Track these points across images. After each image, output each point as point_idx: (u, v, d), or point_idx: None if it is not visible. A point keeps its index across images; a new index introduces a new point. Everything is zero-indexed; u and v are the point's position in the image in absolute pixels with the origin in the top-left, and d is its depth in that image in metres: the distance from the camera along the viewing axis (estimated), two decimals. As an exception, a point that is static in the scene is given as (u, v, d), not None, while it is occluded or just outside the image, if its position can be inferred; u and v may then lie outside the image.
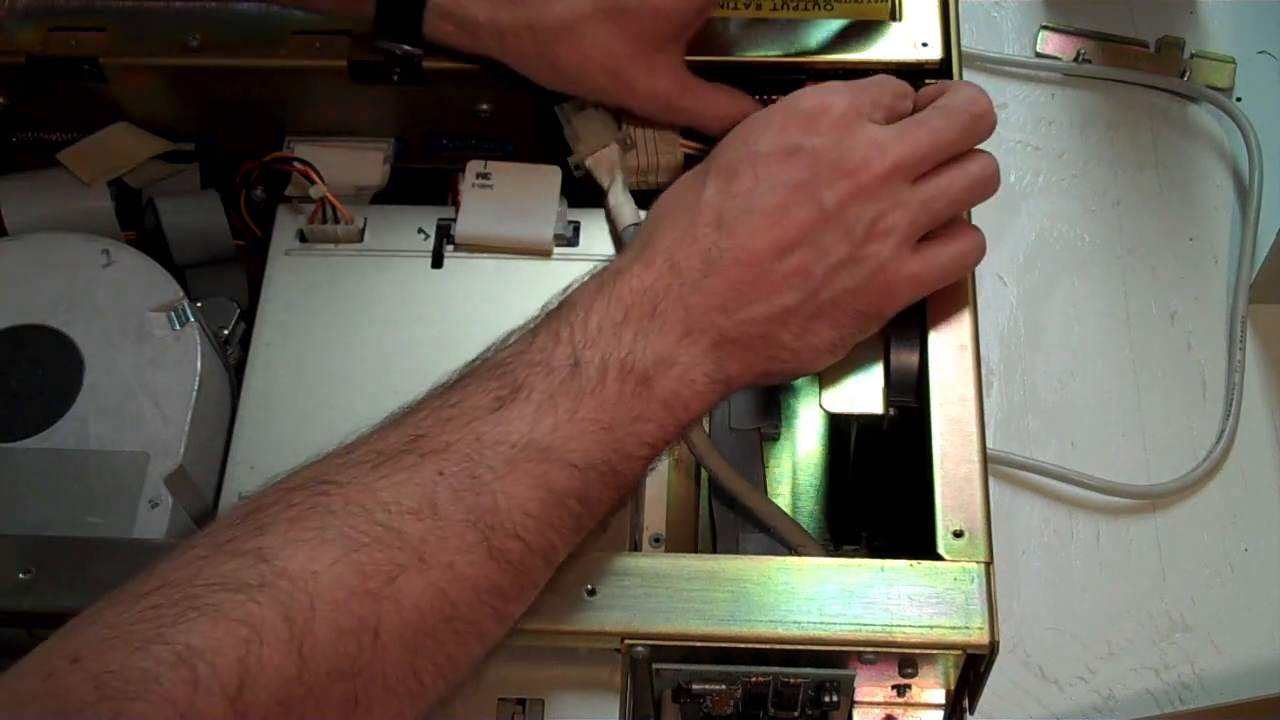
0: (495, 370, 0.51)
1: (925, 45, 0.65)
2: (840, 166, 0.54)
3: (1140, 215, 0.84)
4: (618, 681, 0.53)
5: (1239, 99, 0.87)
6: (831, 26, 0.66)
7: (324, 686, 0.43)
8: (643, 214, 0.63)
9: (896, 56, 0.65)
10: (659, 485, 0.61)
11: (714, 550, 0.61)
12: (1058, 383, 0.79)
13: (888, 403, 0.59)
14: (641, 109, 0.63)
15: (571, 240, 0.65)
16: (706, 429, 0.60)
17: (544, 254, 0.65)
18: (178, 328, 0.61)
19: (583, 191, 0.66)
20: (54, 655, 0.42)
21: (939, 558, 0.53)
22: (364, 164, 0.69)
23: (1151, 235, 0.83)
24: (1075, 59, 0.89)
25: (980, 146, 0.57)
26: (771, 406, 0.65)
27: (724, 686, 0.54)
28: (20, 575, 0.53)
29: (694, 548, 0.63)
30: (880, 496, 0.65)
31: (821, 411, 0.59)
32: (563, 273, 0.56)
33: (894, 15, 0.66)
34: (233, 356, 0.65)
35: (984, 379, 0.64)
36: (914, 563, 0.53)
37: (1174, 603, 0.72)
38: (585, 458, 0.49)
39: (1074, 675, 0.71)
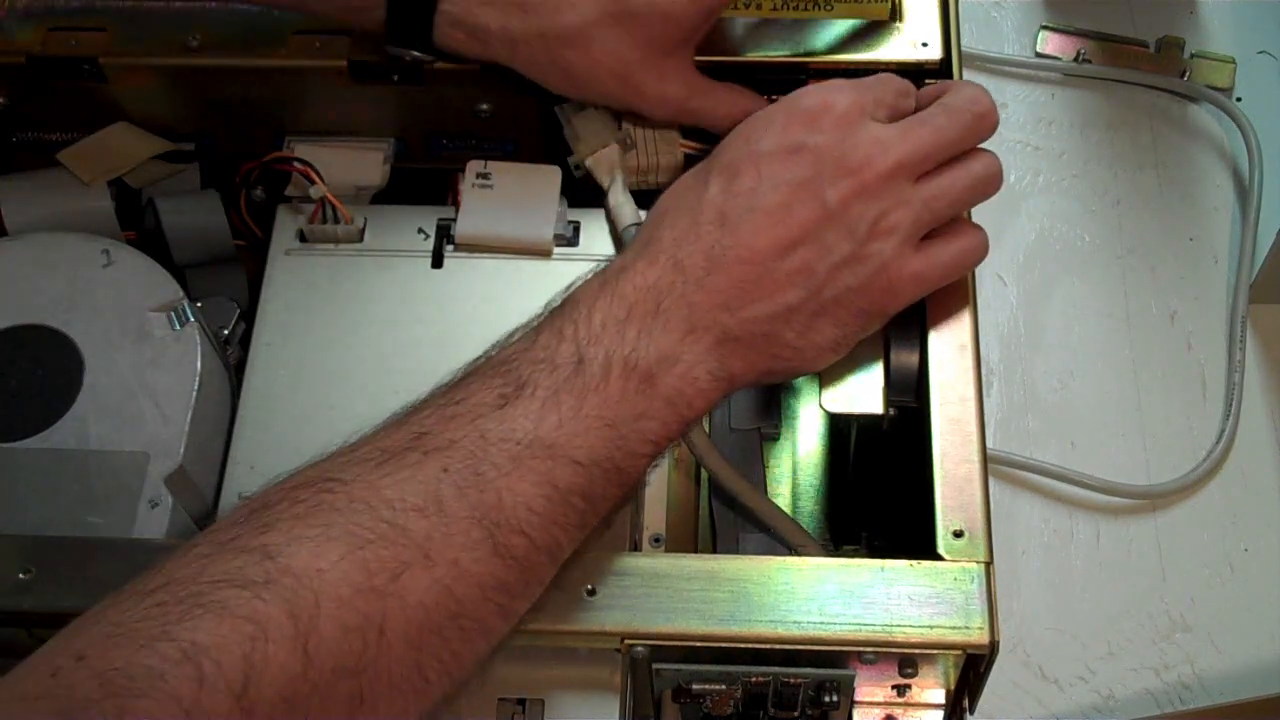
0: (499, 368, 0.51)
1: (925, 45, 0.65)
2: (843, 165, 0.54)
3: (1140, 215, 0.84)
4: (618, 681, 0.53)
5: (1239, 99, 0.87)
6: (832, 26, 0.66)
7: (329, 683, 0.43)
8: (643, 214, 0.63)
9: (897, 56, 0.65)
10: (659, 485, 0.61)
11: (714, 550, 0.61)
12: (1058, 383, 0.79)
13: (888, 403, 0.59)
14: (651, 113, 0.64)
15: (571, 240, 0.65)
16: (706, 429, 0.60)
17: (544, 254, 0.65)
18: (178, 328, 0.61)
19: (583, 191, 0.66)
20: (59, 653, 0.42)
21: (939, 558, 0.53)
22: (364, 164, 0.69)
23: (1151, 235, 0.83)
24: (1075, 59, 0.89)
25: (980, 146, 0.57)
26: (771, 406, 0.65)
27: (724, 686, 0.54)
28: (20, 575, 0.53)
29: (694, 548, 0.63)
30: (880, 496, 0.65)
31: (821, 411, 0.59)
32: (563, 273, 0.56)
33: (894, 15, 0.66)
34: (233, 356, 0.65)
35: (984, 379, 0.64)
36: (914, 563, 0.53)
37: (1174, 603, 0.72)
38: (589, 455, 0.50)
39: (1074, 675, 0.71)
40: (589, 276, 0.54)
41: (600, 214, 0.65)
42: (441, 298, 0.64)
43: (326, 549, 0.45)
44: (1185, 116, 0.87)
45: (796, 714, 0.55)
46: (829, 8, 0.66)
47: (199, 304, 0.64)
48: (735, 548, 0.60)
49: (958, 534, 0.53)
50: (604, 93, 0.63)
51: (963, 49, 0.66)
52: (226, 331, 0.65)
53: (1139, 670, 0.70)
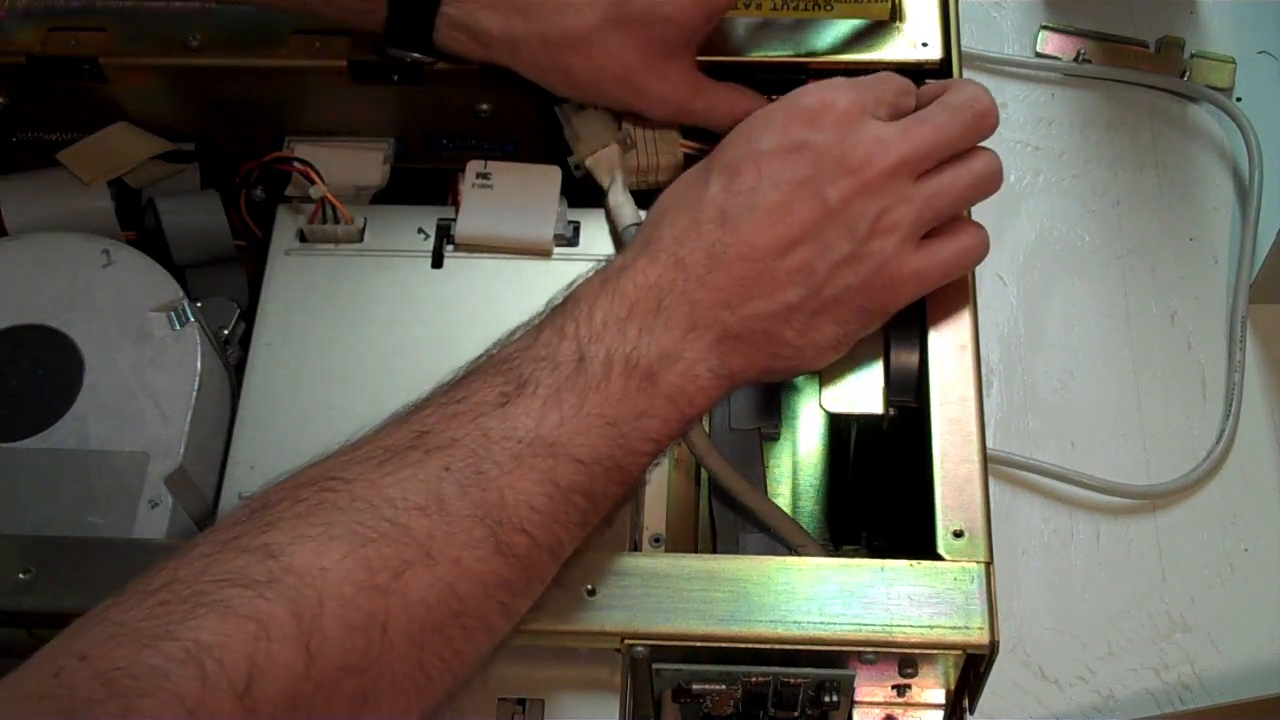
0: (501, 366, 0.51)
1: (925, 45, 0.65)
2: (844, 163, 0.54)
3: (1140, 215, 0.84)
4: (618, 681, 0.53)
5: (1239, 99, 0.87)
6: (832, 26, 0.66)
7: (333, 682, 0.43)
8: (642, 214, 0.63)
9: (897, 56, 0.65)
10: (659, 485, 0.61)
11: (714, 550, 0.61)
12: (1058, 383, 0.79)
13: (888, 403, 0.59)
14: (653, 114, 0.64)
15: (571, 240, 0.65)
16: (706, 429, 0.60)
17: (544, 254, 0.65)
18: (178, 328, 0.61)
19: (583, 191, 0.66)
20: (61, 653, 0.42)
21: (939, 558, 0.53)
22: (364, 164, 0.69)
23: (1151, 235, 0.83)
24: (1075, 59, 0.89)
25: (980, 145, 0.57)
26: (771, 406, 0.65)
27: (724, 686, 0.54)
28: (20, 575, 0.53)
29: (694, 548, 0.63)
30: (880, 496, 0.65)
31: (821, 411, 0.59)
32: (563, 273, 0.56)
33: (894, 15, 0.66)
34: (233, 356, 0.65)
35: (984, 379, 0.64)
36: (914, 563, 0.53)
37: (1174, 603, 0.72)
38: (591, 453, 0.50)
39: (1074, 675, 0.71)
40: (590, 274, 0.54)
41: (600, 214, 0.65)
42: (441, 298, 0.64)
43: (329, 548, 0.45)
44: (1185, 116, 0.87)
45: (796, 714, 0.55)
46: (829, 8, 0.66)
47: (199, 304, 0.64)
48: (735, 548, 0.60)
49: (958, 534, 0.53)
50: (605, 95, 0.63)
51: (963, 49, 0.66)
52: (226, 331, 0.65)
53: (1139, 670, 0.70)
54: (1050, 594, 0.73)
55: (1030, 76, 0.89)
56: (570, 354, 0.51)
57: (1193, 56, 0.88)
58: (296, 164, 0.66)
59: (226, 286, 0.67)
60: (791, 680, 0.53)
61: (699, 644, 0.52)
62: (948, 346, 0.58)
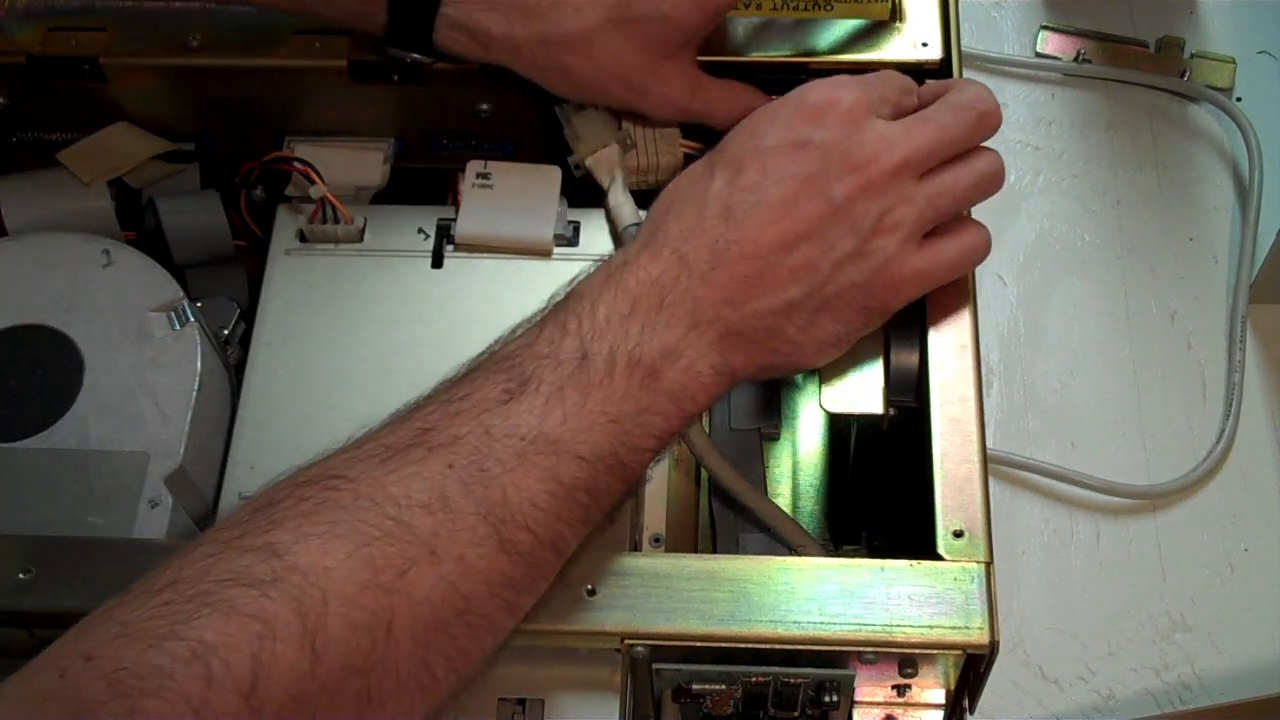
0: (503, 363, 0.51)
1: (925, 45, 0.65)
2: (849, 161, 0.54)
3: (1140, 215, 0.84)
4: (618, 681, 0.53)
5: (1239, 99, 0.87)
6: (832, 26, 0.66)
7: (337, 681, 0.43)
8: (643, 214, 0.63)
9: (897, 56, 0.65)
10: (659, 485, 0.61)
11: (714, 550, 0.61)
12: (1058, 383, 0.79)
13: (888, 403, 0.59)
14: (654, 114, 0.64)
15: (571, 240, 0.65)
16: (707, 429, 0.60)
17: (544, 254, 0.65)
18: (178, 328, 0.61)
19: (583, 191, 0.66)
20: (66, 654, 0.42)
21: (939, 558, 0.53)
22: (364, 164, 0.69)
23: (1151, 235, 0.83)
24: (1075, 59, 0.89)
25: (982, 145, 0.57)
26: (771, 406, 0.65)
27: (724, 686, 0.54)
28: (20, 575, 0.53)
29: (694, 548, 0.63)
30: (880, 496, 0.65)
31: (821, 411, 0.59)
32: (563, 273, 0.56)
33: (894, 15, 0.66)
34: (233, 356, 0.65)
35: (984, 379, 0.64)
36: (914, 563, 0.53)
37: (1174, 603, 0.72)
38: (594, 450, 0.50)
39: (1074, 675, 0.71)
40: (592, 270, 0.54)
41: (600, 214, 0.65)
42: (441, 298, 0.64)
43: (333, 546, 0.45)
44: (1185, 116, 0.87)
45: (796, 714, 0.55)
46: (829, 8, 0.66)
47: (199, 304, 0.64)
48: (735, 548, 0.60)
49: (958, 534, 0.53)
50: (606, 95, 0.63)
51: (963, 49, 0.66)
52: (226, 331, 0.65)
53: (1139, 670, 0.70)
54: (1050, 594, 0.73)
55: (1030, 76, 0.89)
56: (573, 351, 0.51)
57: (1193, 56, 0.88)
58: (296, 164, 0.66)
59: (226, 286, 0.67)
60: (791, 680, 0.53)
61: (699, 644, 0.52)
62: (948, 346, 0.58)
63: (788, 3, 0.66)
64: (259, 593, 0.43)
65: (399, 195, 0.69)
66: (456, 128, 0.70)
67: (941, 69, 0.65)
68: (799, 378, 0.67)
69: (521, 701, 0.53)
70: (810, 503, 0.66)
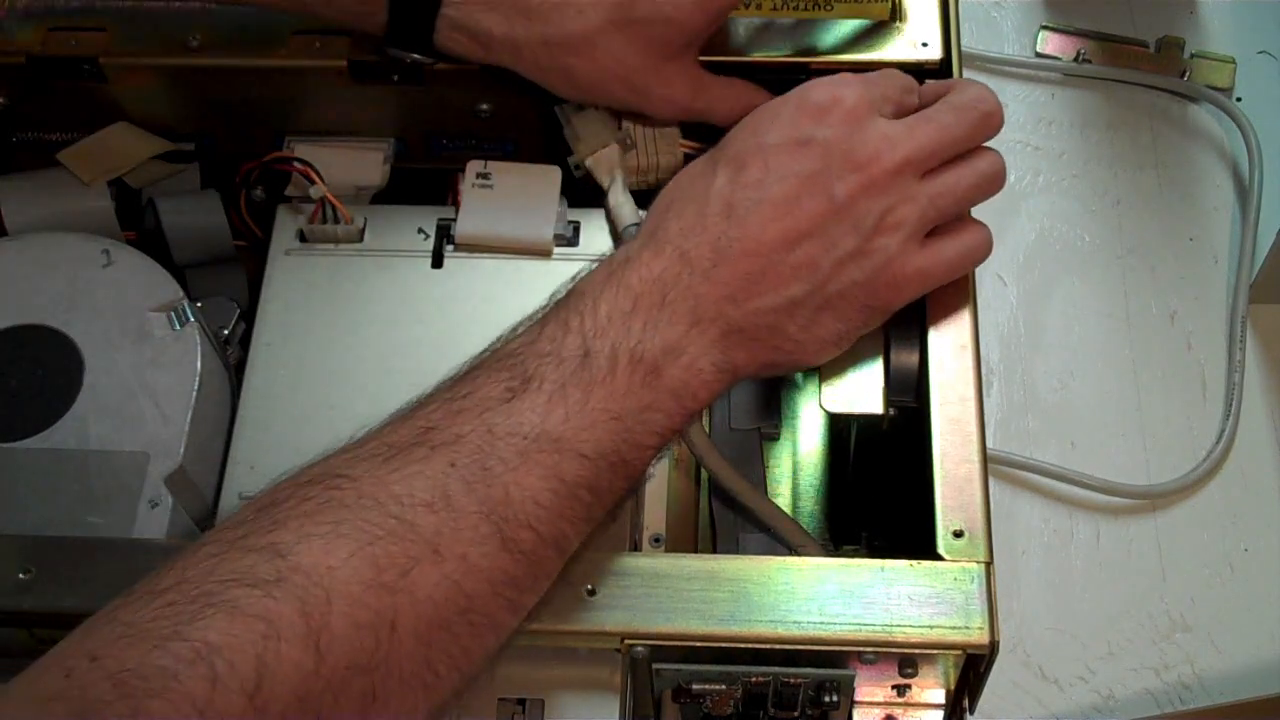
0: (505, 361, 0.51)
1: (925, 45, 0.65)
2: (851, 159, 0.54)
3: (1140, 215, 0.84)
4: (618, 681, 0.53)
5: (1239, 99, 0.87)
6: (832, 27, 0.66)
7: (342, 681, 0.43)
8: (642, 214, 0.63)
9: (897, 56, 0.65)
10: (659, 485, 0.61)
11: (714, 550, 0.61)
12: (1058, 383, 0.79)
13: (888, 403, 0.59)
14: (656, 114, 0.64)
15: (571, 240, 0.65)
16: (706, 429, 0.60)
17: (544, 254, 0.65)
18: (178, 328, 0.61)
19: (583, 191, 0.66)
20: (71, 654, 0.42)
21: (939, 558, 0.53)
22: (364, 164, 0.69)
23: (1151, 235, 0.83)
24: (1075, 59, 0.89)
25: (983, 145, 0.57)
26: (771, 406, 0.65)
27: (724, 686, 0.54)
28: (20, 575, 0.53)
29: (694, 548, 0.63)
30: (880, 496, 0.65)
31: (821, 411, 0.59)
32: (563, 273, 0.56)
33: (894, 15, 0.66)
34: (233, 356, 0.65)
35: (984, 379, 0.64)
36: (914, 563, 0.53)
37: (1174, 603, 0.72)
38: (596, 448, 0.50)
39: (1074, 675, 0.71)
40: (594, 267, 0.54)
41: (600, 214, 0.65)
42: (441, 298, 0.64)
43: (336, 546, 0.45)
44: (1185, 116, 0.87)
45: (796, 714, 0.55)
46: (829, 8, 0.66)
47: (199, 304, 0.64)
48: (735, 548, 0.60)
49: (958, 534, 0.53)
50: (607, 95, 0.63)
51: (963, 49, 0.66)
52: (226, 331, 0.65)
53: (1139, 670, 0.70)
54: (1050, 594, 0.73)
55: (1030, 76, 0.89)
56: (575, 349, 0.51)
57: (1193, 56, 0.88)
58: (296, 164, 0.66)
59: (226, 286, 0.67)
60: (791, 680, 0.53)
61: (699, 644, 0.52)
62: (948, 346, 0.58)
63: (788, 3, 0.66)
64: (263, 593, 0.43)
65: (399, 195, 0.69)
66: (456, 128, 0.70)
67: (941, 69, 0.65)
68: (799, 377, 0.67)
69: (521, 701, 0.53)
70: (810, 503, 0.66)
